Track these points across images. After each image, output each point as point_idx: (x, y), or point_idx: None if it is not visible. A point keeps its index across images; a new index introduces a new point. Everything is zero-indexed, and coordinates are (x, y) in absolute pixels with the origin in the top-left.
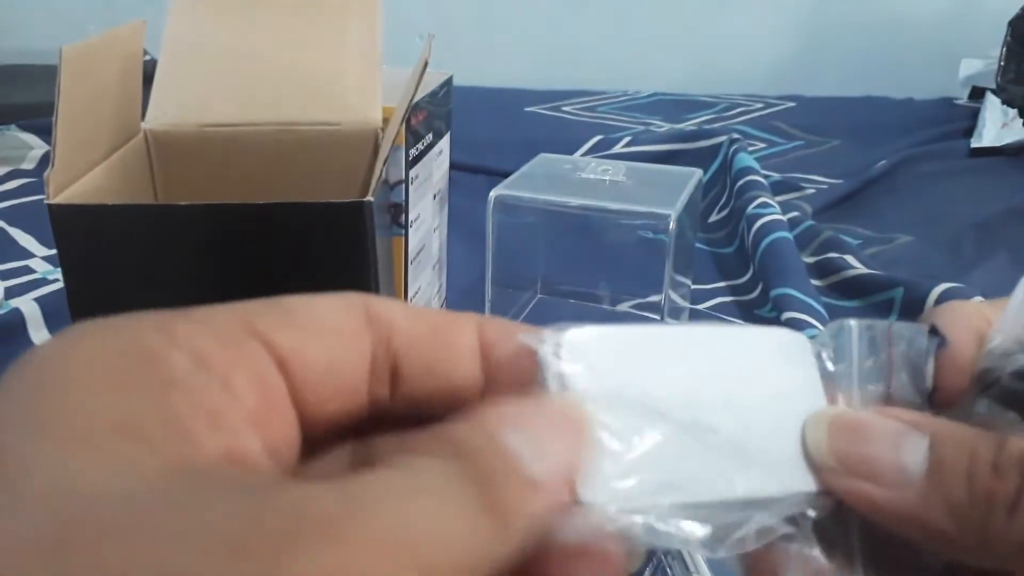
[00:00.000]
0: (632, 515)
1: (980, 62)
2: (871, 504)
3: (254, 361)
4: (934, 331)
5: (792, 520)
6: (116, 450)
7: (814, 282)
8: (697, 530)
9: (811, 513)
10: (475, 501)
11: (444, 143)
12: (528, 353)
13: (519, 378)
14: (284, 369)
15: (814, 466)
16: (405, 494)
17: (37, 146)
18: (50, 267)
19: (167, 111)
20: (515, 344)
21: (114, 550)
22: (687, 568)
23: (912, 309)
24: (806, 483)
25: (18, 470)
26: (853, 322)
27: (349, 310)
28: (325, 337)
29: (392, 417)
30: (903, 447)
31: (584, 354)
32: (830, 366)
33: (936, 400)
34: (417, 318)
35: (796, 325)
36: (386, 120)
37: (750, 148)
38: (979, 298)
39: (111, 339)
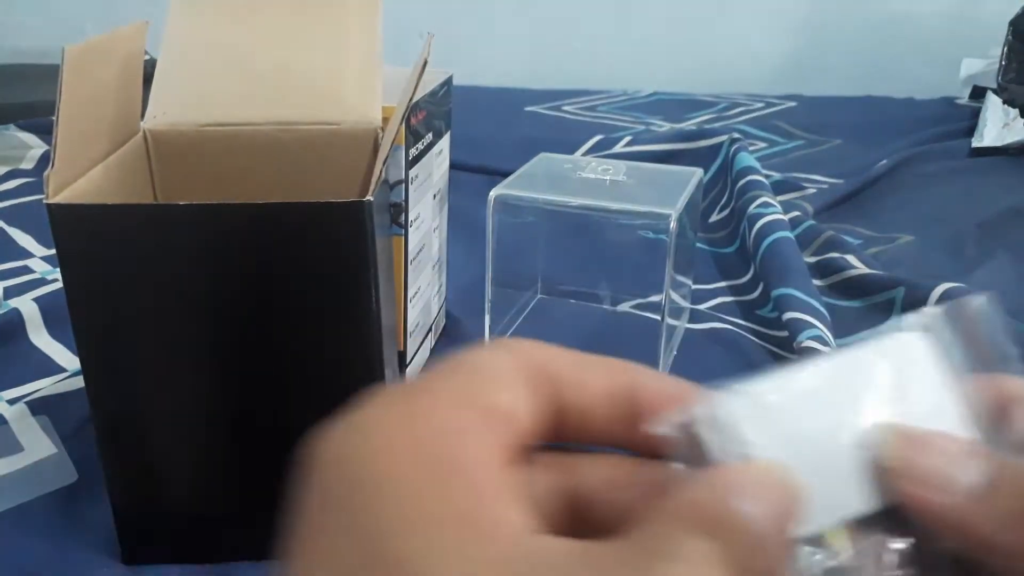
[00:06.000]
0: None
1: (981, 62)
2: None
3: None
4: None
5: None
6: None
7: (815, 282)
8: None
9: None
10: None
11: (444, 143)
12: (678, 427)
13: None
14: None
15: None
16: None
17: (36, 146)
18: (49, 267)
19: (167, 111)
20: (665, 423)
21: None
22: None
23: (913, 309)
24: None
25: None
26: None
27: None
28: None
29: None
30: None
31: (738, 427)
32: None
33: None
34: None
35: (797, 326)
36: (386, 120)
37: (751, 148)
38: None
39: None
